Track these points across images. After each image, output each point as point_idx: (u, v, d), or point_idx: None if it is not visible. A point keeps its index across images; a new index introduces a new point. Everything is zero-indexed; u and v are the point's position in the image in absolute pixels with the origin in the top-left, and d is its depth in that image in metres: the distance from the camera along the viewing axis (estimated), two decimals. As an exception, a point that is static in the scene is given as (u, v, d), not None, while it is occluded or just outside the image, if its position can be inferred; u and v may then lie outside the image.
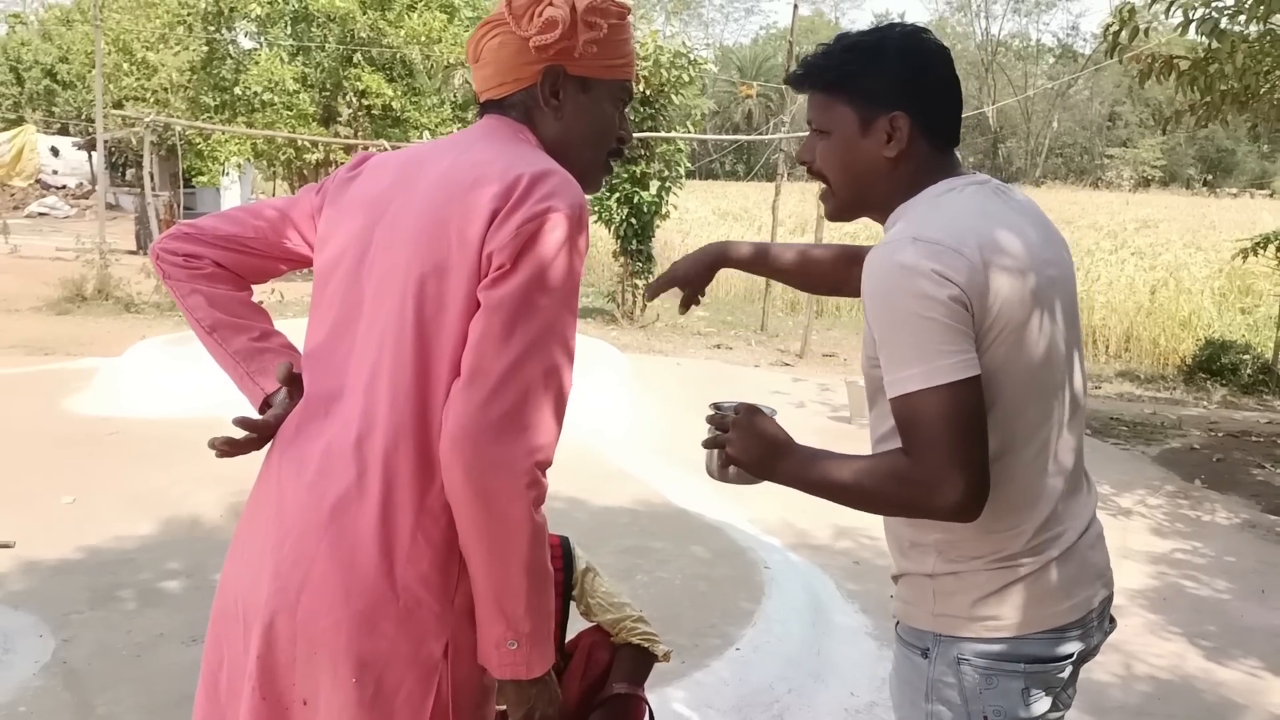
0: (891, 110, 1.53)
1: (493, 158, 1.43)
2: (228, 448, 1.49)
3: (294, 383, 1.52)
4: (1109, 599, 1.62)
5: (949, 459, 1.37)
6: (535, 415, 1.32)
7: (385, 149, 14.21)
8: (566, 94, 1.52)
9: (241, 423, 1.51)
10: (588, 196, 1.54)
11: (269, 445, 1.52)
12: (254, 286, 1.70)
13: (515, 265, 1.33)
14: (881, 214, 1.61)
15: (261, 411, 1.55)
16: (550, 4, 1.48)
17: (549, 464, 1.35)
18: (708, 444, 1.64)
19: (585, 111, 1.54)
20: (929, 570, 1.55)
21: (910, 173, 1.55)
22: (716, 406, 1.67)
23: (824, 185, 1.64)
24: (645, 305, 12.82)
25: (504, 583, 1.35)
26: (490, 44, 1.53)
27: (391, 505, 1.35)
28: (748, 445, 1.57)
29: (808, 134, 1.65)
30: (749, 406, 1.61)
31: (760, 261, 2.11)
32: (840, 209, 1.66)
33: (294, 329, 1.61)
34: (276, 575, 1.37)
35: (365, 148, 14.36)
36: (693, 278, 2.11)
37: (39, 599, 3.85)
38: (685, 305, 2.15)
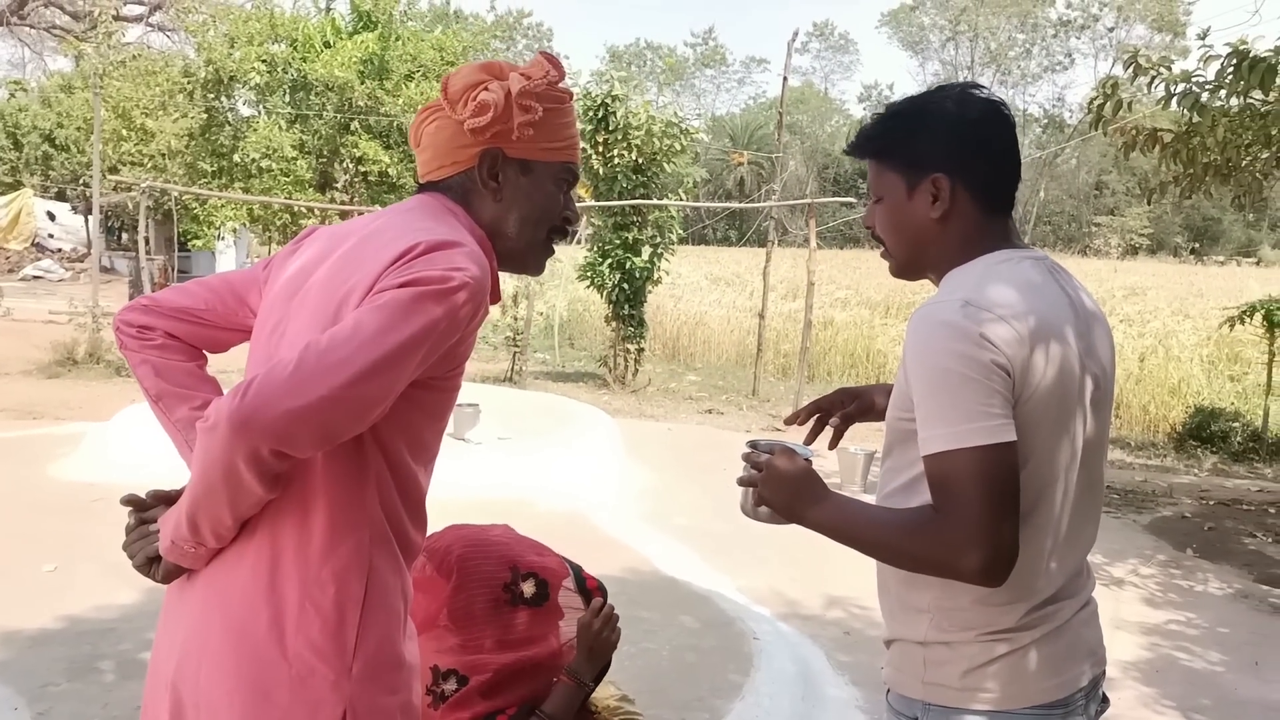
0: (933, 172, 1.56)
1: (404, 229, 1.42)
2: (132, 520, 1.54)
3: None
4: (1100, 677, 1.61)
5: (980, 520, 1.37)
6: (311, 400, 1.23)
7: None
8: (505, 176, 1.53)
9: (128, 500, 1.55)
10: (535, 277, 1.59)
11: None
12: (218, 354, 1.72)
13: (377, 297, 1.31)
14: (938, 274, 1.63)
15: None
16: (485, 88, 1.50)
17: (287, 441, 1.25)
18: (742, 482, 1.66)
19: (525, 193, 1.55)
20: (920, 637, 1.54)
21: (960, 234, 1.58)
22: (753, 445, 1.69)
23: (885, 248, 1.68)
24: (637, 370, 12.85)
25: (207, 507, 1.34)
26: (428, 129, 1.55)
27: (279, 575, 1.37)
28: (778, 488, 1.59)
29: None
30: (784, 448, 1.63)
31: None
32: (900, 269, 1.69)
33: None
34: (183, 645, 1.42)
35: (360, 212, 14.49)
36: (863, 408, 2.02)
37: (15, 670, 3.78)
38: (833, 438, 2.10)
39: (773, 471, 1.59)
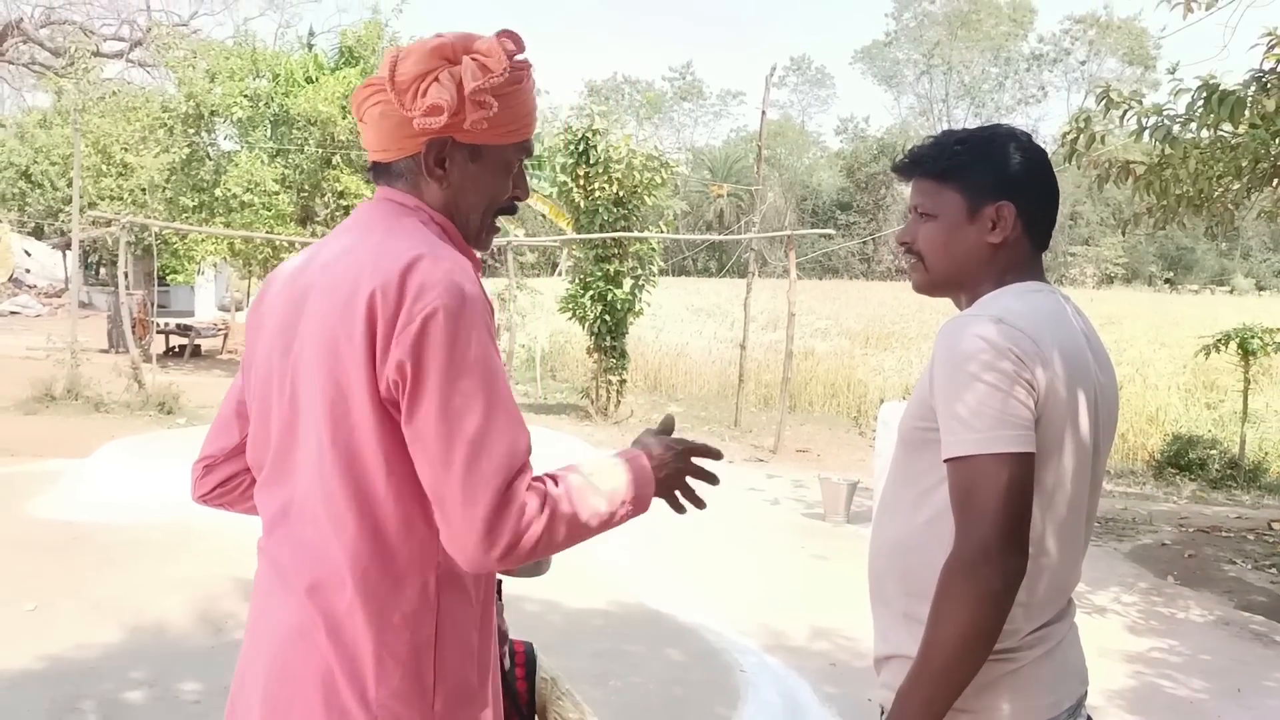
0: (998, 200, 1.62)
1: (368, 256, 1.37)
2: None
3: None
4: (1084, 695, 1.65)
5: (998, 531, 1.40)
6: (506, 494, 1.32)
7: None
8: (453, 162, 1.45)
9: None
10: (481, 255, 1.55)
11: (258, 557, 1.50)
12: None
13: (416, 380, 1.29)
14: (968, 295, 1.68)
15: None
16: (435, 80, 1.39)
17: (529, 476, 1.41)
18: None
19: (472, 179, 1.47)
20: None
21: (1006, 261, 1.64)
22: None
23: (915, 260, 1.71)
24: (619, 401, 12.86)
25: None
26: (372, 110, 1.45)
27: (350, 627, 1.36)
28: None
29: (909, 219, 1.73)
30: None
31: None
32: (930, 284, 1.72)
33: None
34: (266, 697, 1.39)
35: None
36: None
37: (-6, 712, 3.74)
38: None
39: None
